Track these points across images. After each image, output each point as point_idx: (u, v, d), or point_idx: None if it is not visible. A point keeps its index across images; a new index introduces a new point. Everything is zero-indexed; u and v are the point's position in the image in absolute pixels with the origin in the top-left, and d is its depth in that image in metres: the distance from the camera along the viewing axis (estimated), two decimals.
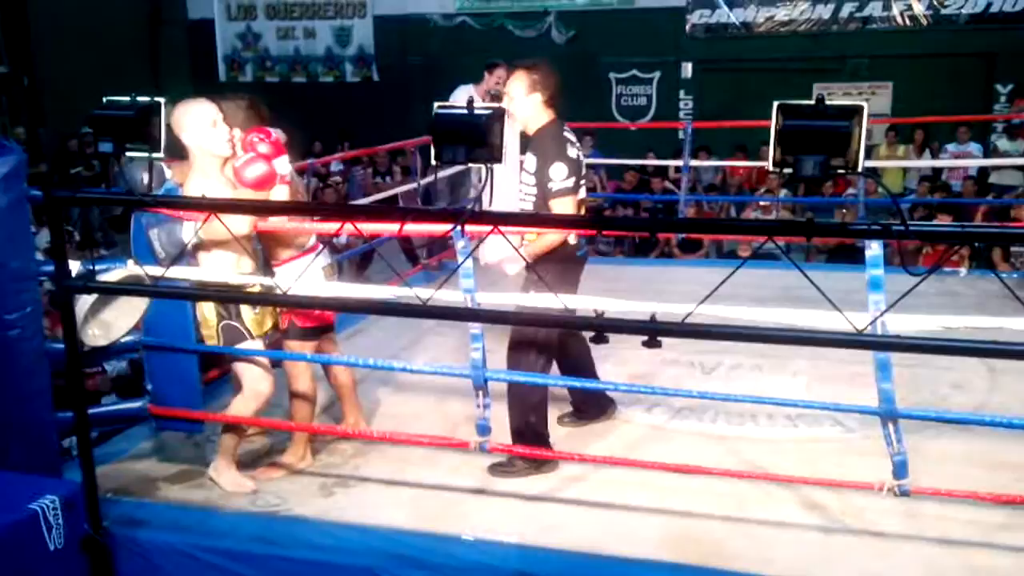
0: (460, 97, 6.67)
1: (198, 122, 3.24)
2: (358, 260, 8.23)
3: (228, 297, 3.23)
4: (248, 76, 14.09)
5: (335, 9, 13.51)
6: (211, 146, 3.29)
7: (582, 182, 3.60)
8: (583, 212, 3.71)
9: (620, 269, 7.33)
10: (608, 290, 3.59)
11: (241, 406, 3.50)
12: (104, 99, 2.36)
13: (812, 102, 1.95)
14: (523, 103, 3.62)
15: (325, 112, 13.13)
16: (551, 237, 3.47)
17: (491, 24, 12.78)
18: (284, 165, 3.33)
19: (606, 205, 9.79)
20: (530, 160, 3.64)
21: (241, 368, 3.47)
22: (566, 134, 3.61)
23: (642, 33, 12.26)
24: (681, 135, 9.88)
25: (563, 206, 3.46)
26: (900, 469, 2.84)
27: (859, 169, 1.89)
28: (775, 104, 1.98)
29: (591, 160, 10.70)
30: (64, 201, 2.45)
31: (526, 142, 3.81)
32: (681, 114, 12.43)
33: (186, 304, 3.34)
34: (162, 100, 2.33)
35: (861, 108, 1.91)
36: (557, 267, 3.50)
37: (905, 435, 3.11)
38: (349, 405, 3.91)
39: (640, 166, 10.39)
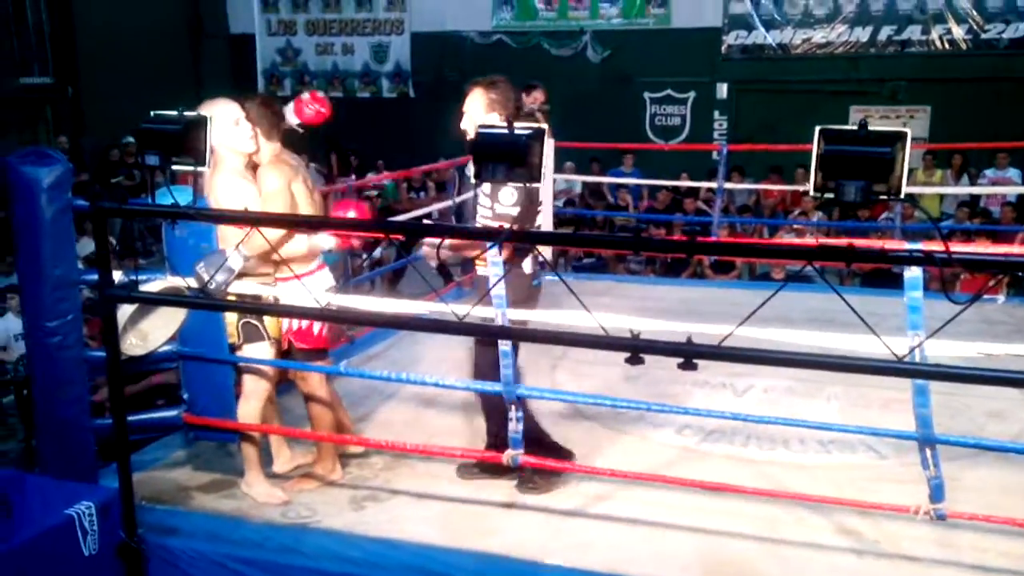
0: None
1: (222, 121, 3.31)
2: (390, 275, 8.28)
3: (268, 310, 3.27)
4: (287, 90, 14.27)
5: (373, 26, 13.67)
6: (236, 144, 3.38)
7: (539, 208, 3.51)
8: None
9: (651, 289, 7.33)
10: (640, 310, 3.58)
11: (245, 408, 3.55)
12: (151, 113, 2.41)
13: (854, 127, 1.94)
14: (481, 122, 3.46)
15: (361, 127, 13.26)
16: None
17: (527, 43, 12.85)
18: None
19: (642, 226, 9.77)
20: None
21: (250, 366, 3.53)
22: None
23: (677, 53, 12.27)
24: (715, 156, 9.85)
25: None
26: (937, 493, 2.80)
27: (901, 195, 1.87)
28: (817, 129, 1.98)
29: (630, 180, 10.77)
30: (109, 212, 2.50)
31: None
32: (715, 135, 12.40)
33: (220, 316, 3.38)
34: (208, 114, 2.37)
35: (904, 135, 1.90)
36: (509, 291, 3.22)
37: (943, 464, 3.07)
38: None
39: (673, 186, 10.37)
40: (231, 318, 3.45)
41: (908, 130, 1.94)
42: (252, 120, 3.43)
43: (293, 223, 3.24)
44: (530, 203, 3.38)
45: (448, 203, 7.20)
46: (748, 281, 8.29)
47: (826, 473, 3.82)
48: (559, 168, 9.58)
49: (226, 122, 3.34)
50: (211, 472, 3.76)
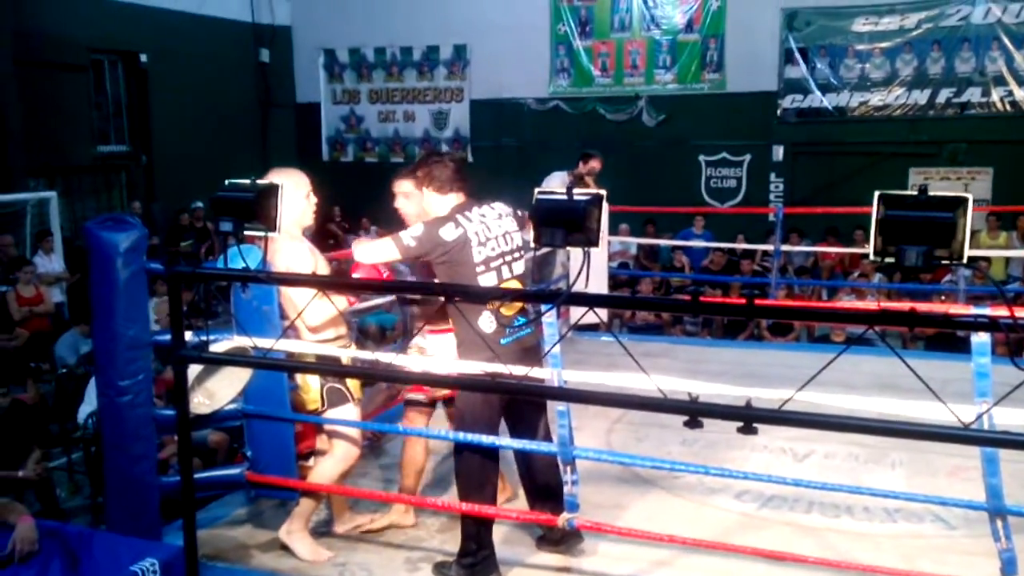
0: (554, 183, 6.88)
1: (297, 192, 3.46)
2: None
3: (319, 369, 3.35)
4: (349, 156, 14.71)
5: (434, 94, 14.07)
6: (303, 216, 3.51)
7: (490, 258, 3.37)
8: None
9: (707, 351, 7.26)
10: (696, 372, 3.55)
11: (331, 468, 3.58)
12: (226, 181, 2.53)
13: (915, 192, 1.95)
14: (415, 206, 3.64)
15: None
16: None
17: (583, 108, 13.05)
18: None
19: (700, 288, 9.72)
20: None
21: (335, 430, 3.57)
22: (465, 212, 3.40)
23: (732, 117, 12.33)
24: (772, 218, 9.80)
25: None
26: (1009, 567, 2.71)
27: (964, 260, 1.87)
28: (876, 193, 1.99)
29: (700, 244, 10.72)
30: (184, 276, 2.61)
31: None
32: (771, 196, 12.36)
33: (283, 375, 3.47)
34: (280, 182, 2.48)
35: (965, 199, 1.90)
36: (469, 352, 3.25)
37: (1016, 536, 2.97)
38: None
39: (729, 248, 10.32)
40: (313, 384, 3.50)
41: (970, 195, 1.94)
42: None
43: (355, 287, 3.33)
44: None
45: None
46: (807, 344, 8.17)
47: (892, 543, 3.72)
48: (613, 230, 9.65)
49: (300, 194, 3.50)
50: (271, 530, 3.80)
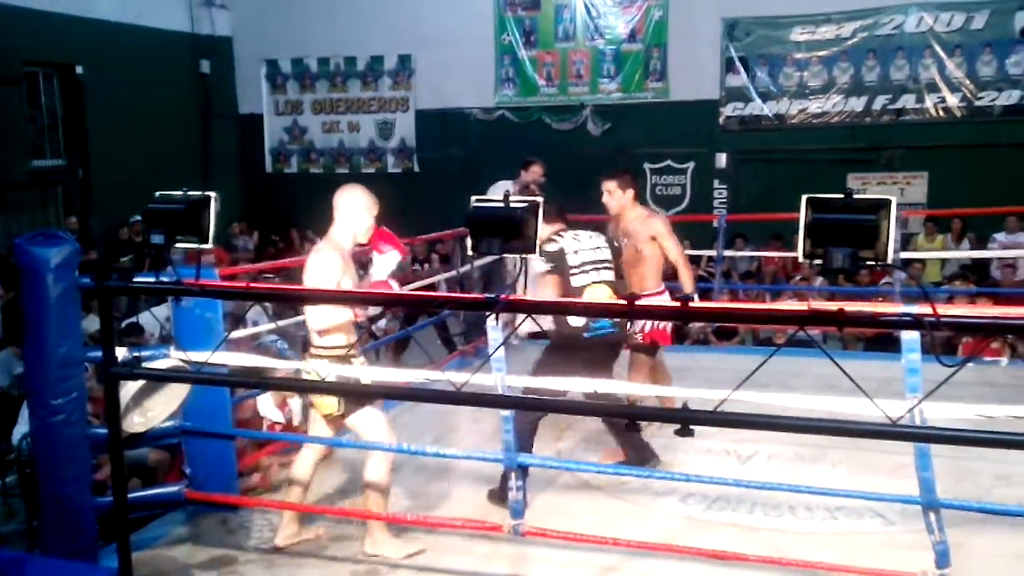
0: (498, 192, 6.87)
1: (361, 205, 3.62)
2: (394, 346, 8.31)
3: (266, 384, 3.30)
4: (293, 167, 14.56)
5: (379, 104, 14.01)
6: (359, 229, 3.63)
7: (571, 270, 4.25)
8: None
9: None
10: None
11: (383, 466, 3.57)
12: (157, 193, 2.48)
13: (840, 196, 1.99)
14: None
15: None
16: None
17: (529, 118, 13.11)
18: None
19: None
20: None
21: (369, 429, 3.55)
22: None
23: (676, 125, 12.47)
24: (716, 224, 9.94)
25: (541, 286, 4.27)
26: (942, 559, 2.77)
27: (888, 261, 1.91)
28: (804, 198, 2.03)
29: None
30: (114, 291, 2.55)
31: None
32: (716, 203, 12.53)
33: (225, 389, 3.41)
34: (212, 194, 2.44)
35: (889, 202, 1.94)
36: (559, 348, 3.98)
37: (949, 529, 3.04)
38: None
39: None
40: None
41: (892, 198, 1.98)
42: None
43: (298, 297, 3.29)
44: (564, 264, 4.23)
45: (452, 273, 7.28)
46: (751, 347, 8.29)
47: (833, 540, 3.78)
48: None
49: (366, 209, 3.63)
50: (212, 548, 3.73)
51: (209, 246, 2.40)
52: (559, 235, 4.36)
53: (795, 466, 4.58)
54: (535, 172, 7.06)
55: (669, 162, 12.85)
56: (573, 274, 4.23)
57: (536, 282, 4.31)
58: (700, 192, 12.71)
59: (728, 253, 8.32)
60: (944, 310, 1.92)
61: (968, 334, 3.53)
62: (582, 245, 4.36)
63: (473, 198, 2.34)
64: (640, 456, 4.30)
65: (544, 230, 3.89)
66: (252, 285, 2.74)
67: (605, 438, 4.84)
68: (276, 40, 14.02)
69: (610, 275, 4.39)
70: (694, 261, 10.65)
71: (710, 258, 9.84)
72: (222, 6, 14.18)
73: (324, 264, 3.46)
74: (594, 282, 4.27)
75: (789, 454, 4.69)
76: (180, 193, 2.45)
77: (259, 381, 3.19)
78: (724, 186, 12.67)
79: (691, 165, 12.78)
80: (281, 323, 5.75)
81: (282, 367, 3.89)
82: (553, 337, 4.22)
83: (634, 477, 4.18)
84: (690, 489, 4.20)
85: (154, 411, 3.31)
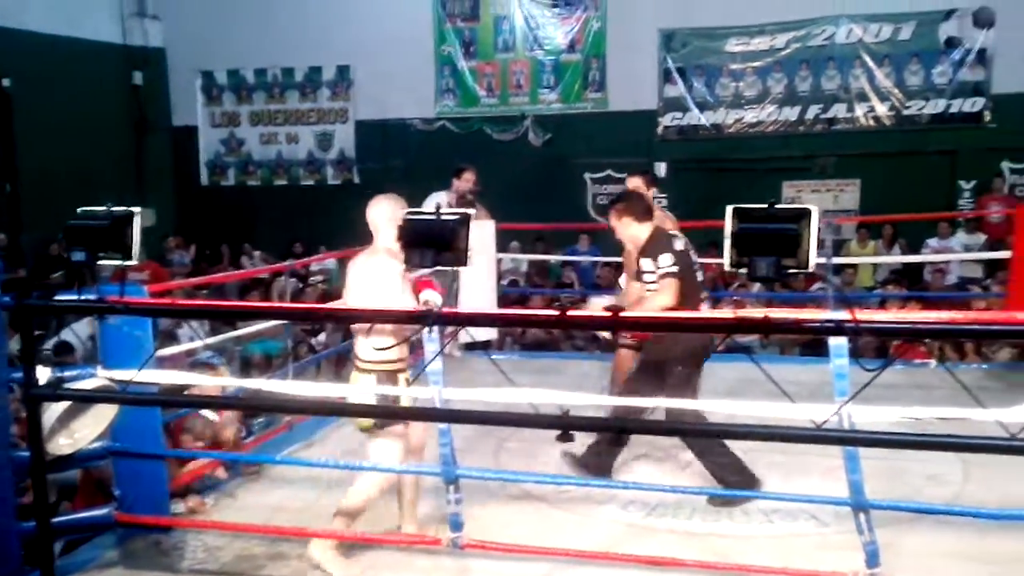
0: (432, 204, 6.86)
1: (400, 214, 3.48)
2: (335, 359, 8.22)
3: (193, 403, 3.24)
4: (231, 180, 14.34)
5: (318, 115, 13.88)
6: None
7: (695, 267, 4.36)
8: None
9: (598, 365, 7.35)
10: (583, 387, 3.60)
11: (372, 490, 3.58)
12: (79, 209, 2.42)
13: (764, 205, 2.03)
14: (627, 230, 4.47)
15: (306, 214, 13.32)
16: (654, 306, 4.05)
17: (470, 128, 13.13)
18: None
19: (567, 304, 9.82)
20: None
21: (379, 450, 3.52)
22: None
23: (616, 135, 12.60)
24: None
25: (663, 288, 4.13)
26: (872, 558, 2.84)
27: (811, 268, 1.95)
28: (729, 208, 2.06)
29: (591, 258, 10.92)
30: (33, 309, 2.47)
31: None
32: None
33: (156, 409, 3.33)
34: (137, 210, 2.39)
35: (809, 211, 1.99)
36: (698, 357, 4.05)
37: (882, 529, 3.11)
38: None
39: (618, 263, 10.50)
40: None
41: (813, 207, 2.03)
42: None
43: (229, 312, 3.24)
44: (686, 264, 4.25)
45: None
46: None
47: (769, 543, 3.84)
48: (504, 248, 9.71)
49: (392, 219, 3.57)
50: (145, 571, 3.63)
51: (133, 262, 2.35)
52: (675, 235, 4.41)
53: None
54: (468, 179, 7.07)
55: (609, 172, 12.96)
56: (696, 270, 4.34)
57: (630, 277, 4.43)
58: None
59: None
60: (866, 315, 1.97)
61: (887, 338, 3.62)
62: (690, 247, 4.44)
63: (405, 211, 2.33)
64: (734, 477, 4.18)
65: (643, 229, 4.32)
66: (177, 302, 2.69)
67: (543, 448, 4.86)
68: (211, 51, 13.78)
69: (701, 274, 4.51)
70: None
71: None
72: (154, 17, 13.92)
73: (391, 271, 3.45)
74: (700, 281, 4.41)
75: None
76: (103, 209, 2.39)
77: (188, 400, 3.12)
78: (664, 195, 12.80)
79: None
80: (216, 339, 5.67)
81: (215, 383, 3.83)
82: (681, 353, 4.05)
83: (575, 487, 4.20)
84: (632, 497, 4.23)
85: (81, 432, 3.21)
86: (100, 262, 2.31)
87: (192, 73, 14.11)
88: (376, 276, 3.50)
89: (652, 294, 4.18)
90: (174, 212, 13.92)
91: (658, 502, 4.20)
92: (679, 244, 4.32)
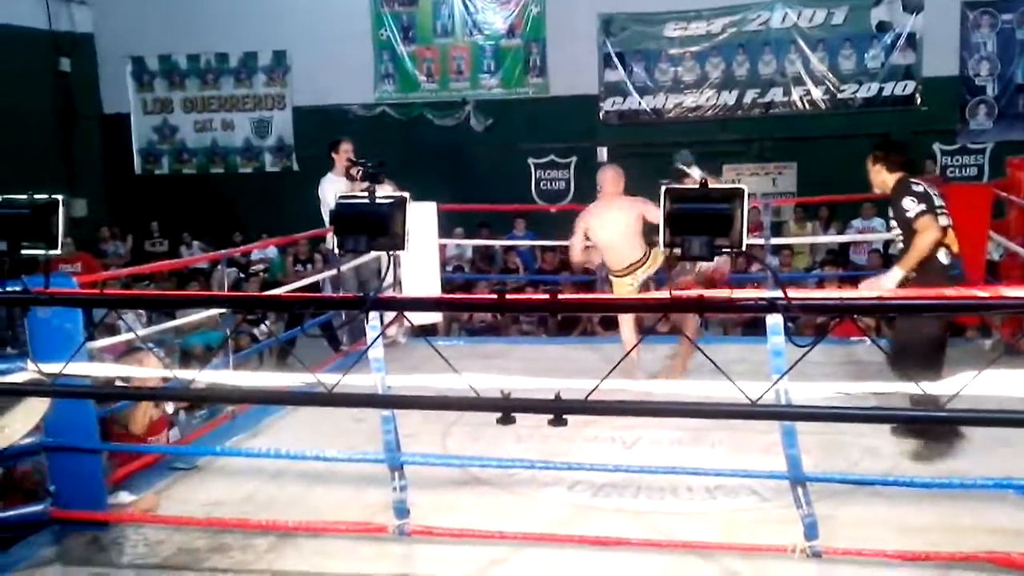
0: (326, 188, 6.84)
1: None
2: (278, 349, 8.11)
3: (127, 395, 3.17)
4: (165, 168, 14.01)
5: (254, 102, 13.64)
6: None
7: (937, 209, 4.54)
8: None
9: (542, 349, 7.42)
10: (527, 370, 3.61)
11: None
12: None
13: (696, 186, 2.04)
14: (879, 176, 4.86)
15: (244, 202, 13.10)
16: (924, 244, 4.40)
17: (411, 114, 13.03)
18: None
19: (504, 288, 9.88)
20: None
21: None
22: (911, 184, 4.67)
23: (558, 120, 12.63)
24: None
25: (922, 227, 4.42)
26: (811, 531, 2.90)
27: (743, 248, 1.97)
28: (662, 189, 2.07)
29: (525, 242, 10.96)
30: None
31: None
32: (599, 196, 12.74)
33: (89, 402, 3.25)
34: (60, 197, 2.31)
35: (741, 191, 2.01)
36: (929, 283, 4.27)
37: (821, 502, 3.18)
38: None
39: (564, 247, 10.54)
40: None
41: (744, 187, 2.05)
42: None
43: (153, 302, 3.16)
44: (932, 205, 4.49)
45: (332, 272, 7.16)
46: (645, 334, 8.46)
47: (712, 519, 3.90)
48: (449, 234, 9.68)
49: None
50: (83, 567, 3.55)
51: (58, 252, 2.27)
52: (913, 180, 4.64)
53: (677, 449, 4.71)
54: (346, 151, 6.96)
55: (552, 157, 13.00)
56: (939, 214, 4.49)
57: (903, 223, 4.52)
58: (584, 186, 12.90)
59: None
60: (798, 294, 2.01)
61: (818, 315, 3.72)
62: (933, 190, 4.64)
63: (339, 196, 2.29)
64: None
65: (891, 177, 4.71)
66: (106, 292, 2.62)
67: (488, 430, 4.86)
68: (141, 36, 13.42)
69: (949, 220, 4.66)
70: None
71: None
72: (82, 1, 13.50)
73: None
74: (948, 225, 4.56)
75: (671, 438, 4.81)
76: (25, 197, 2.31)
77: (120, 392, 3.05)
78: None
79: (574, 159, 12.97)
80: (155, 328, 5.55)
81: (154, 375, 3.74)
82: (918, 281, 4.39)
83: (522, 469, 4.21)
84: (577, 478, 4.26)
85: (12, 427, 3.12)
86: (23, 251, 2.24)
87: (122, 59, 13.74)
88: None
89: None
90: (107, 202, 13.56)
91: (604, 482, 4.24)
92: (920, 188, 4.60)
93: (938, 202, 4.59)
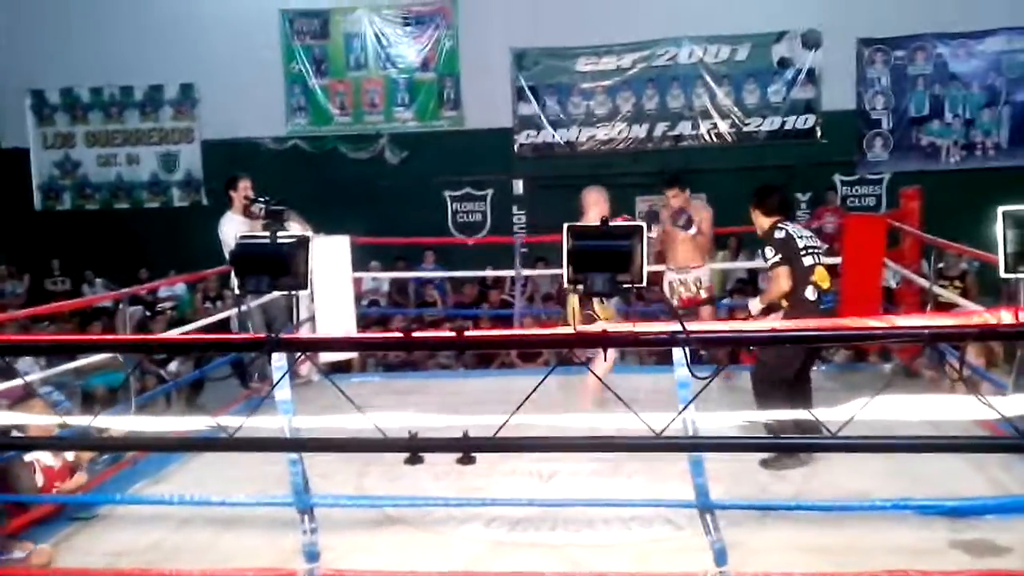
0: (225, 228, 6.68)
1: None
2: (188, 390, 7.87)
3: (27, 445, 3.02)
4: (67, 204, 13.53)
5: (160, 135, 13.32)
6: None
7: (802, 250, 4.86)
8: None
9: (460, 383, 7.36)
10: (445, 405, 3.59)
11: None
12: None
13: (597, 224, 2.08)
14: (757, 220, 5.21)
15: (151, 238, 12.74)
16: (773, 291, 4.88)
17: (323, 147, 12.92)
18: None
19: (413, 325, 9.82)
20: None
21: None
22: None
23: (473, 153, 12.71)
24: (514, 248, 10.19)
25: (774, 276, 4.87)
26: (720, 557, 2.95)
27: (643, 283, 2.01)
28: (565, 226, 2.10)
29: (434, 273, 10.93)
30: None
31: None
32: (515, 228, 12.85)
33: None
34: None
35: (640, 228, 2.06)
36: (798, 316, 4.50)
37: (733, 528, 3.23)
38: None
39: (481, 279, 10.58)
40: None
41: (643, 224, 2.09)
42: None
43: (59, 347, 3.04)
44: (791, 251, 4.82)
45: (243, 308, 6.97)
46: (554, 368, 8.49)
47: (628, 550, 3.91)
48: (364, 267, 9.58)
49: None
50: None
51: None
52: (781, 224, 4.93)
53: (594, 481, 4.72)
54: (244, 188, 6.83)
55: (468, 189, 13.06)
56: (802, 255, 4.81)
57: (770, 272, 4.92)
58: (500, 217, 12.99)
59: (525, 272, 8.61)
60: (697, 327, 2.04)
61: (716, 347, 3.81)
62: (802, 232, 4.98)
63: (239, 236, 2.25)
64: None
65: (766, 221, 5.03)
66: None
67: (406, 469, 4.80)
68: (41, 69, 13.00)
69: (827, 259, 5.09)
70: (498, 284, 10.89)
71: (512, 280, 10.05)
72: None
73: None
74: (818, 264, 4.85)
75: (589, 469, 4.82)
76: None
77: (10, 443, 2.91)
78: (523, 211, 13.02)
79: (490, 192, 13.05)
80: (55, 370, 5.31)
81: (50, 422, 3.57)
82: (789, 314, 4.71)
83: (437, 507, 4.17)
84: (494, 514, 4.23)
85: None
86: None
87: (20, 92, 13.28)
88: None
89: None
90: (3, 240, 13.00)
91: (521, 517, 4.22)
92: (781, 233, 4.93)
93: (804, 244, 4.89)
